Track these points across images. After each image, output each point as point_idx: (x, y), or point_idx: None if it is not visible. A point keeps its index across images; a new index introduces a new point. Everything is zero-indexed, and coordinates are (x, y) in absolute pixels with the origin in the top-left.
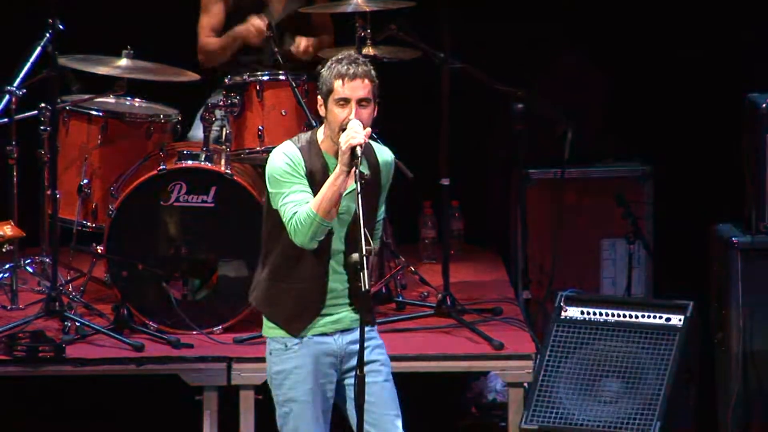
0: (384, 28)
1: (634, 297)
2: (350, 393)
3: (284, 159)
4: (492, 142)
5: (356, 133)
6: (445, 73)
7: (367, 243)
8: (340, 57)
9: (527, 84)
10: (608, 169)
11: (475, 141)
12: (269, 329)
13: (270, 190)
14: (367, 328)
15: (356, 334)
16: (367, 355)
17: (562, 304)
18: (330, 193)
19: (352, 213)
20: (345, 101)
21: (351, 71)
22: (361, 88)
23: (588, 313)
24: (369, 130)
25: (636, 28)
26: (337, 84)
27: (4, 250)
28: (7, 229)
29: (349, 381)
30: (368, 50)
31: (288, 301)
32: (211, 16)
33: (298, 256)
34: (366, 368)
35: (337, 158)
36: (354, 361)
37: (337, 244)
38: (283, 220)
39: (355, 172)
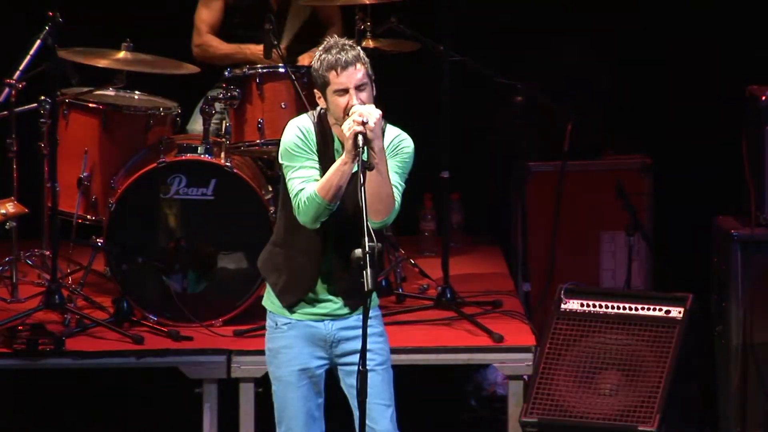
0: (384, 21)
1: (634, 289)
2: (349, 382)
3: (297, 132)
4: (492, 134)
5: (360, 117)
6: (446, 65)
7: (371, 240)
8: (326, 46)
9: (528, 76)
10: (608, 161)
11: (475, 134)
12: (266, 301)
13: (281, 161)
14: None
15: (348, 321)
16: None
17: (561, 296)
18: (336, 179)
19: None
20: (343, 91)
21: (342, 59)
22: (355, 73)
23: (588, 306)
24: (379, 112)
25: (638, 20)
26: (332, 75)
27: (7, 227)
28: (10, 207)
29: (346, 370)
30: (368, 43)
31: (284, 271)
32: (211, 11)
33: (299, 227)
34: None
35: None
36: (346, 346)
37: (336, 225)
38: (290, 193)
39: (357, 160)
